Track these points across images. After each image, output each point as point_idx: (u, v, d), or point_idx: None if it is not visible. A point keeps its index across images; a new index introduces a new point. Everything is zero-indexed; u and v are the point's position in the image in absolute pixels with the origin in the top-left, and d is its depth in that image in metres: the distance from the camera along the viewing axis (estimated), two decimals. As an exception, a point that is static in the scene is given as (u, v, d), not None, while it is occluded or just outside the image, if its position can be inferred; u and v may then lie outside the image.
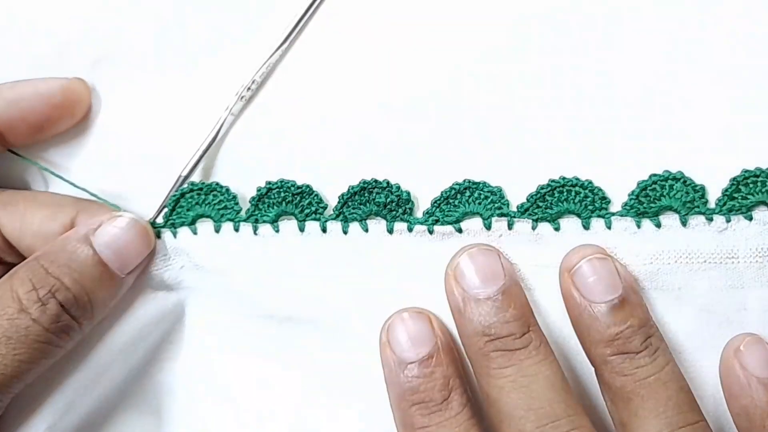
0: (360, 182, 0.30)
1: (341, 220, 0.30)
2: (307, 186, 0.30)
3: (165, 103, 0.32)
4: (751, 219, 0.27)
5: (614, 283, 0.27)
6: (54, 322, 0.29)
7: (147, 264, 0.32)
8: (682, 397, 0.26)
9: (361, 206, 0.30)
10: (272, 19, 0.30)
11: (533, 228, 0.29)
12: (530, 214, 0.29)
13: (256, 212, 0.31)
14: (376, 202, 0.30)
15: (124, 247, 0.30)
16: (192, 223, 0.31)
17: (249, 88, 0.31)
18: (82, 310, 0.30)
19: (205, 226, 0.31)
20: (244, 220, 0.31)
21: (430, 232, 0.29)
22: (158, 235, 0.32)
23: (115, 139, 0.32)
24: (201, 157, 0.31)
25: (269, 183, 0.31)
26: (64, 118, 0.32)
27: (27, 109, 0.31)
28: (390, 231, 0.30)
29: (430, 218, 0.29)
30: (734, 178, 0.27)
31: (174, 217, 0.32)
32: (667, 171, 0.28)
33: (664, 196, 0.28)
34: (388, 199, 0.30)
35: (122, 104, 0.32)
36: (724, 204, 0.27)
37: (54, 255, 0.30)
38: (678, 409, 0.26)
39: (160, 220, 0.32)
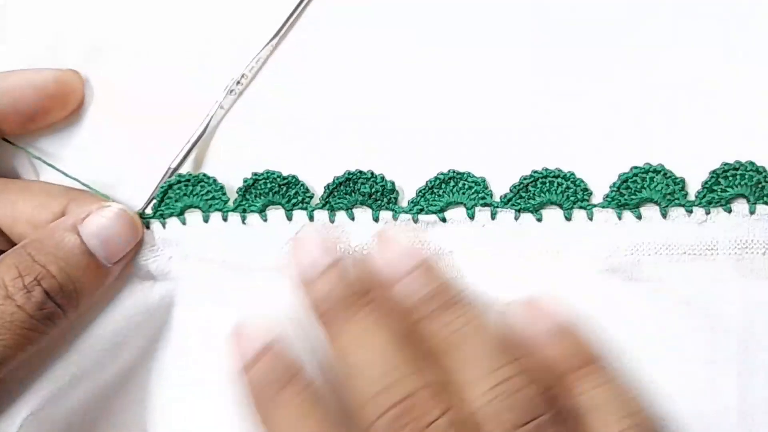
0: (345, 173, 0.30)
1: (327, 209, 0.30)
2: (293, 176, 0.30)
3: (156, 96, 0.32)
4: (730, 211, 0.28)
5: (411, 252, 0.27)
6: (38, 309, 0.29)
7: (134, 254, 0.32)
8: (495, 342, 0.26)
9: (347, 196, 0.30)
10: (263, 13, 0.31)
11: (516, 218, 0.29)
12: (513, 205, 0.29)
13: (244, 202, 0.31)
14: (361, 192, 0.30)
15: (111, 237, 0.30)
16: (181, 213, 0.32)
17: (239, 82, 0.31)
18: (67, 298, 0.30)
19: (194, 216, 0.32)
20: (233, 210, 0.31)
21: (415, 221, 0.30)
22: (147, 226, 0.32)
23: (107, 130, 0.33)
24: (190, 149, 0.31)
25: (255, 174, 0.31)
26: (57, 108, 0.32)
27: (20, 98, 0.31)
28: (375, 220, 0.30)
29: (415, 207, 0.30)
30: (714, 171, 0.28)
31: (163, 207, 0.32)
32: (647, 164, 0.28)
33: (644, 188, 0.28)
34: (373, 189, 0.30)
35: (114, 96, 0.33)
36: (704, 196, 0.28)
37: (41, 243, 0.30)
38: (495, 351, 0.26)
39: (149, 210, 0.32)
